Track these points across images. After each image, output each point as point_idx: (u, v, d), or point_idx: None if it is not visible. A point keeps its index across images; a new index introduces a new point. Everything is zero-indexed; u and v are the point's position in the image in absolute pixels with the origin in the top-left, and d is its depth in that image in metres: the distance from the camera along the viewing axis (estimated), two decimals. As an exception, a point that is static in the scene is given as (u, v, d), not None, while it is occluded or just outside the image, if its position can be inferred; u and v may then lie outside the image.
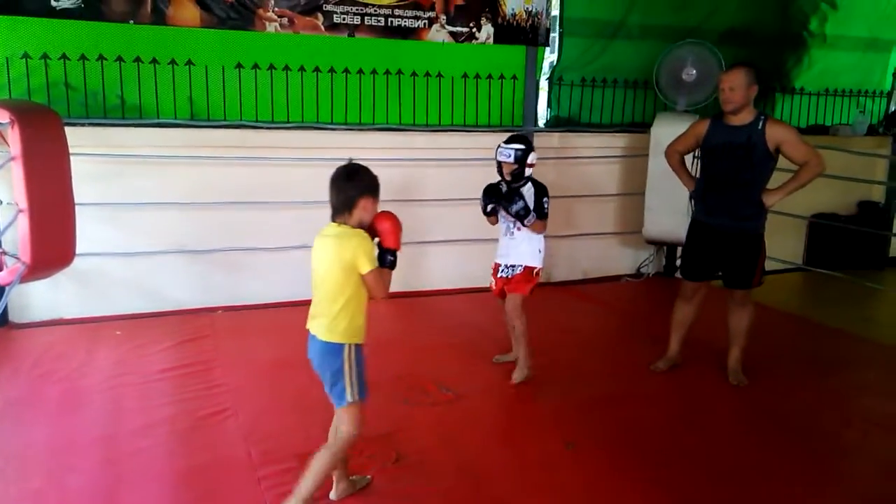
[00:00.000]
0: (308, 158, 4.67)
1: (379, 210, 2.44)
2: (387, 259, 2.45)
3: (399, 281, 5.08)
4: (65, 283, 4.32)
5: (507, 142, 3.51)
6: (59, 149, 3.69)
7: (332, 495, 2.56)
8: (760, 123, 3.47)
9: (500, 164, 3.52)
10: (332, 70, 4.89)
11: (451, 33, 5.09)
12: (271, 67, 4.74)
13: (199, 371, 3.68)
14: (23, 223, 3.41)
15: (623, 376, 3.85)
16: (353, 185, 2.38)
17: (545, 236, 3.66)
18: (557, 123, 5.70)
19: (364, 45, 4.92)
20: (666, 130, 5.33)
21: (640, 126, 5.79)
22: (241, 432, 3.01)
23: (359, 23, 4.82)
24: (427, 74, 5.15)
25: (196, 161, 4.52)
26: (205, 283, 4.66)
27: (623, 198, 5.85)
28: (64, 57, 4.26)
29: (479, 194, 3.58)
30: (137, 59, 4.42)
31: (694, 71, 5.33)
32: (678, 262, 5.42)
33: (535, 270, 3.61)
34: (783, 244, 5.38)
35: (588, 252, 5.87)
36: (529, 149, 3.47)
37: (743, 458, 2.97)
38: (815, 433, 3.24)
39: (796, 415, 3.43)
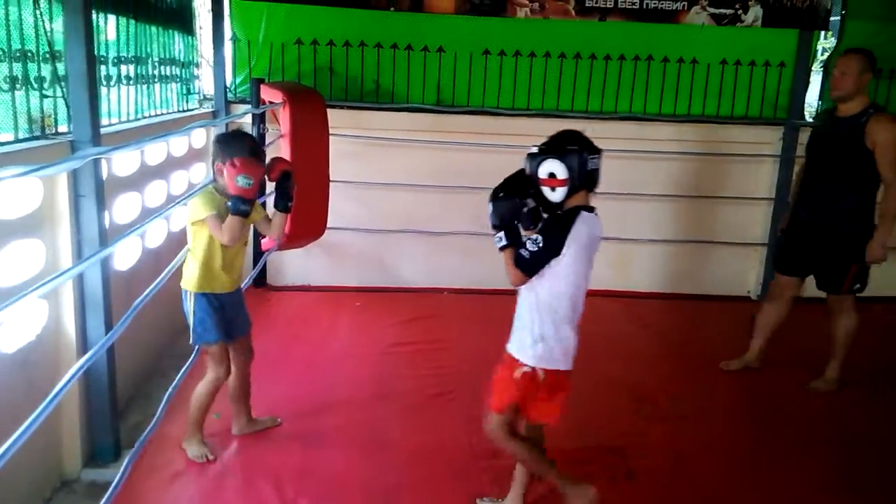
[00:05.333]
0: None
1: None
2: (225, 205, 2.41)
3: (608, 279, 4.83)
4: (315, 253, 4.67)
5: None
6: (321, 129, 3.98)
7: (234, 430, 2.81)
8: (865, 117, 3.14)
9: None
10: (577, 56, 4.73)
11: (713, 15, 4.66)
12: (517, 54, 4.70)
13: (427, 350, 3.78)
14: (286, 196, 3.72)
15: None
16: (216, 150, 2.43)
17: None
18: (829, 118, 4.99)
19: (614, 30, 4.68)
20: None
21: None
22: (462, 417, 3.01)
23: (612, 6, 4.59)
24: (680, 60, 4.78)
25: (437, 146, 4.63)
26: (436, 264, 4.80)
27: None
28: (331, 43, 4.59)
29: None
30: (394, 46, 4.63)
31: None
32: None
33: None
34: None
35: None
36: (552, 153, 2.21)
37: None
38: None
39: None
